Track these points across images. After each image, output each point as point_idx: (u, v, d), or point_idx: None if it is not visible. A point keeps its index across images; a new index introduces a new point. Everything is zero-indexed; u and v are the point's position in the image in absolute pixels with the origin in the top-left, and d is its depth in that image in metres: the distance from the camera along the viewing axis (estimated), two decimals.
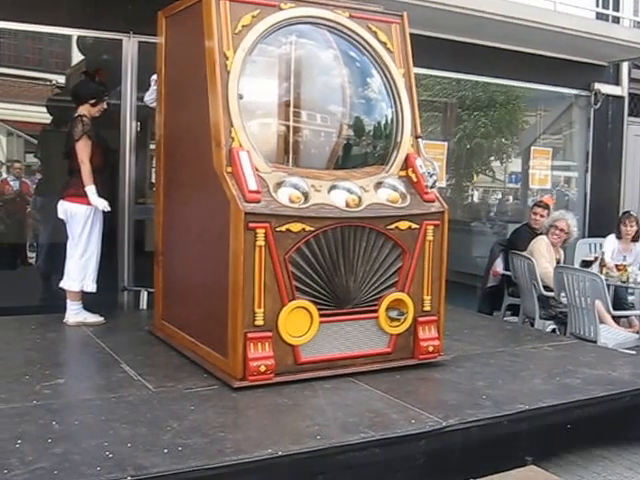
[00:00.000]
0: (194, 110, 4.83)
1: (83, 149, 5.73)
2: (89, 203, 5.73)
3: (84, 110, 5.85)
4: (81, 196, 5.73)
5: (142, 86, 6.67)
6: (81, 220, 5.77)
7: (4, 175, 8.57)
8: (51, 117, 8.26)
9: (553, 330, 6.92)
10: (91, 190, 5.72)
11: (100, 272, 5.97)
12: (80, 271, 5.82)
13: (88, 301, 6.01)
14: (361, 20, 5.05)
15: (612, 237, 8.07)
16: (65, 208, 5.82)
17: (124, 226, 6.63)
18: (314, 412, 4.00)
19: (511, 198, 11.78)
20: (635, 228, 7.91)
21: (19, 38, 7.92)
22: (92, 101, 5.88)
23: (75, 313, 5.88)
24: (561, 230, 7.24)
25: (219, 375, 4.46)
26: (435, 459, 3.82)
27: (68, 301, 5.90)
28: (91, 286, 5.87)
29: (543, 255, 7.10)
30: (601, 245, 8.22)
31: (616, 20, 9.85)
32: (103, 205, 5.79)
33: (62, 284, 5.90)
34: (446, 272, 5.05)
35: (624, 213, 8.44)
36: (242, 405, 4.13)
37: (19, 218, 8.41)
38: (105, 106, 6.01)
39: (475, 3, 7.42)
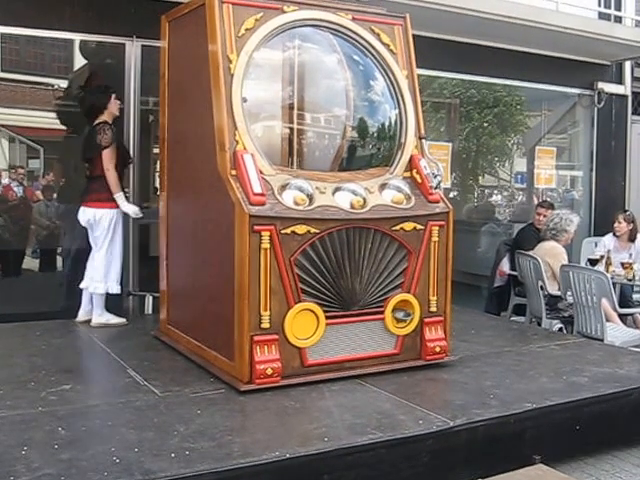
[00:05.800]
0: (198, 113, 4.82)
1: (110, 157, 5.81)
2: (112, 207, 5.81)
3: (105, 117, 5.92)
4: (104, 201, 5.82)
5: (145, 90, 6.69)
6: (105, 224, 5.83)
7: (5, 181, 8.55)
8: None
9: (560, 329, 6.90)
10: (121, 197, 5.86)
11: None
12: (104, 273, 5.88)
13: None
14: (364, 22, 5.05)
15: (609, 235, 8.10)
16: (88, 214, 5.86)
17: (129, 231, 6.61)
18: (321, 414, 3.99)
19: (516, 198, 11.76)
20: (624, 224, 7.90)
21: (21, 43, 7.93)
22: (107, 105, 5.94)
23: (99, 315, 5.94)
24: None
25: (226, 379, 4.45)
26: (442, 459, 3.80)
27: (94, 303, 5.97)
28: (115, 287, 5.95)
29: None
30: (605, 244, 8.21)
31: (618, 19, 9.83)
32: (134, 211, 5.95)
33: (83, 285, 5.97)
34: (452, 272, 5.04)
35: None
36: (249, 408, 4.12)
37: (23, 224, 8.39)
38: (119, 102, 6.07)
39: (477, 4, 7.43)
